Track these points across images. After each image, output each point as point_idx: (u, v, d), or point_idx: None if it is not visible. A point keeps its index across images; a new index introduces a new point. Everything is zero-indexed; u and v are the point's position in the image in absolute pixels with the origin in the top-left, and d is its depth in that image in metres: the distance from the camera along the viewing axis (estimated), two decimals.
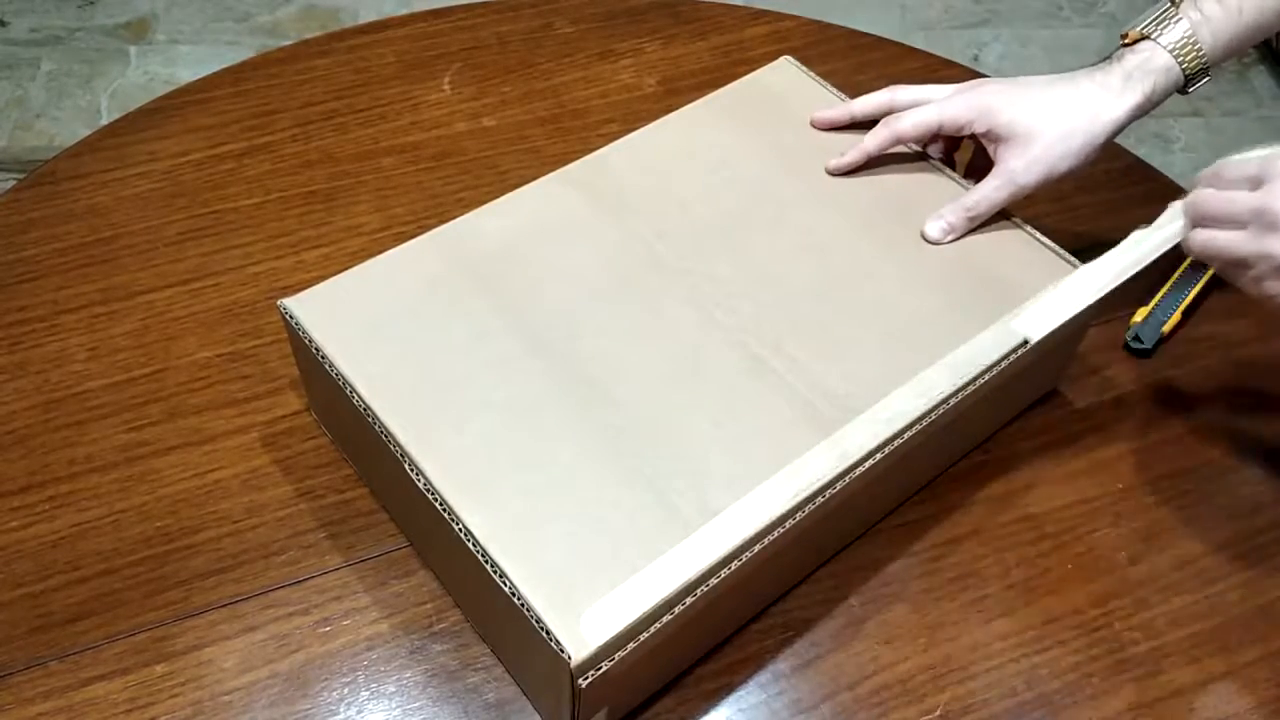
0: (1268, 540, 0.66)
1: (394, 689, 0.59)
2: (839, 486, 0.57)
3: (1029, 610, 0.63)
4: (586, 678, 0.50)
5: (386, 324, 0.61)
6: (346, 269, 0.64)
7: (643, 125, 0.74)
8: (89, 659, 0.60)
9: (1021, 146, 0.66)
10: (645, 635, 0.52)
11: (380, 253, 0.65)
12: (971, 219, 0.66)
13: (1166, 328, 0.76)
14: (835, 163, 0.70)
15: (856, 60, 0.95)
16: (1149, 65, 0.66)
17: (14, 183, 0.84)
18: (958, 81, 0.71)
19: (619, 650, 0.51)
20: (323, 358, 0.60)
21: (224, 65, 0.93)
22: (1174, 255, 0.80)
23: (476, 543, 0.53)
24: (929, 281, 0.65)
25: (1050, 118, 0.65)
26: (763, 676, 0.60)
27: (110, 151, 0.86)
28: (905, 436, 0.58)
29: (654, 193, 0.69)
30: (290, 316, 0.62)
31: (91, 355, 0.73)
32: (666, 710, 0.59)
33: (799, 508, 0.55)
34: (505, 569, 0.52)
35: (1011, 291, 0.64)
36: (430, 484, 0.55)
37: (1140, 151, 0.94)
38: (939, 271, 0.66)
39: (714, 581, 0.53)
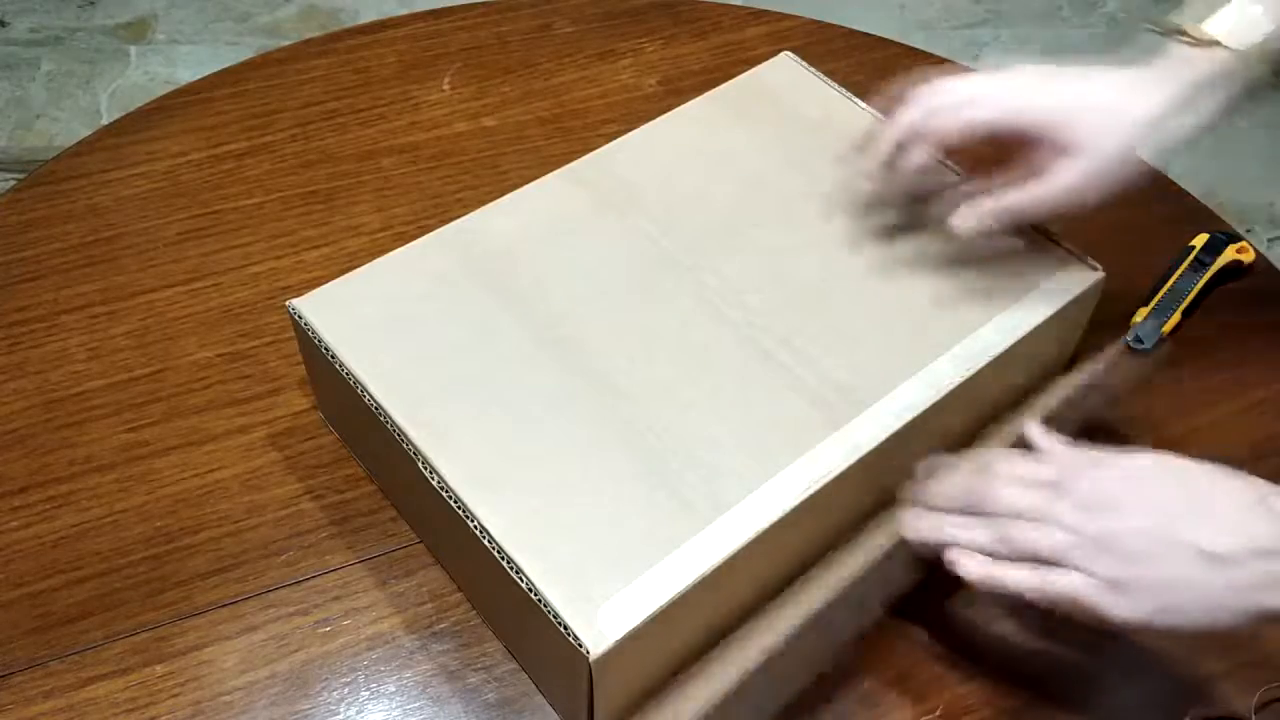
0: None
1: (394, 689, 0.59)
2: (851, 478, 0.57)
3: (1029, 610, 0.63)
4: (605, 672, 0.50)
5: (395, 323, 0.62)
6: (347, 269, 0.64)
7: (643, 125, 0.74)
8: (89, 659, 0.60)
9: (1071, 163, 0.58)
10: (662, 629, 0.52)
11: (381, 253, 0.65)
12: (998, 224, 0.61)
13: (1166, 328, 0.76)
14: (864, 163, 0.64)
15: (856, 60, 0.95)
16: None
17: (14, 183, 0.84)
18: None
19: (636, 644, 0.51)
20: (333, 358, 0.60)
21: (224, 65, 0.93)
22: (1172, 257, 0.80)
23: (492, 539, 0.53)
24: (934, 274, 0.65)
25: (1106, 139, 0.58)
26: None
27: (110, 151, 0.86)
28: (915, 428, 0.59)
29: (658, 190, 0.69)
30: (299, 317, 0.62)
31: (91, 355, 0.73)
32: None
33: (811, 500, 0.56)
34: (521, 565, 0.52)
35: (1015, 283, 0.65)
36: (444, 481, 0.55)
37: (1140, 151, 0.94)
38: (943, 264, 0.66)
39: (729, 575, 0.53)
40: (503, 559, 0.53)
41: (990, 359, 0.61)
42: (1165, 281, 0.78)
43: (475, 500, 0.54)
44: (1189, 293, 0.77)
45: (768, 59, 0.79)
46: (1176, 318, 0.76)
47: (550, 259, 0.65)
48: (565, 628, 0.50)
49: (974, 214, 0.61)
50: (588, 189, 0.69)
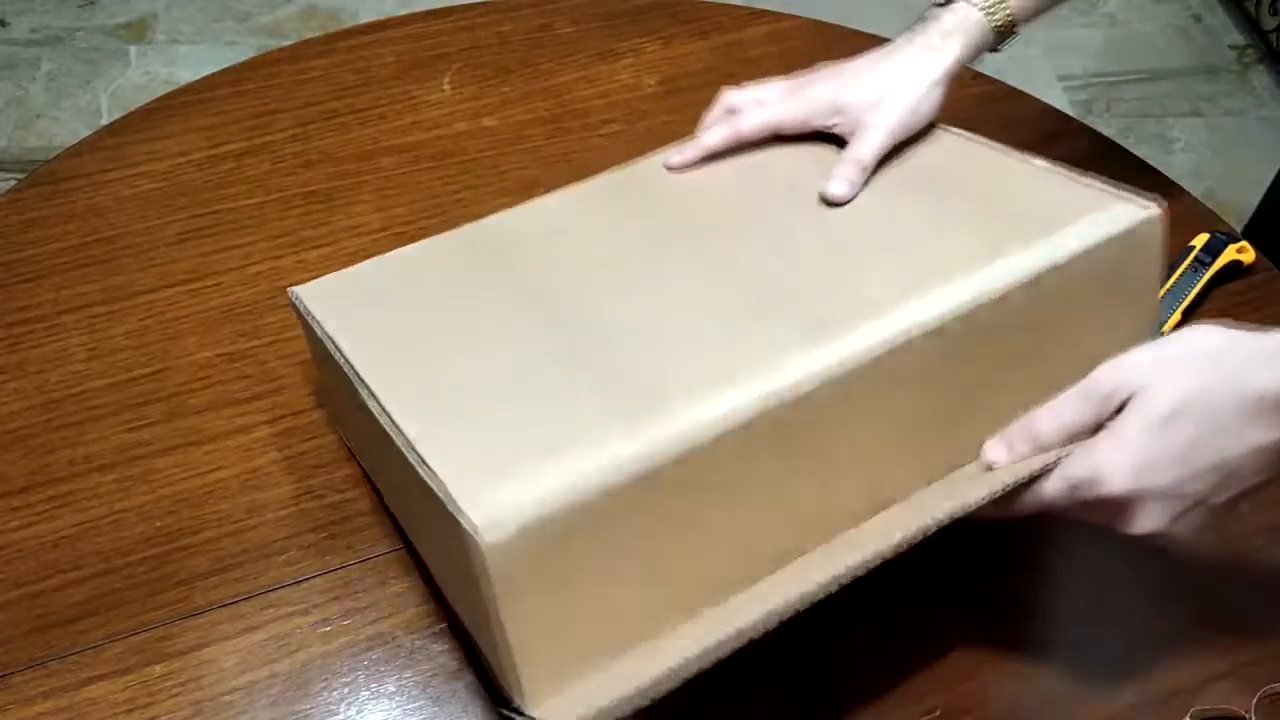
0: (1266, 541, 0.66)
1: (394, 689, 0.59)
2: (832, 403, 0.49)
3: (1030, 609, 0.63)
4: (506, 573, 0.43)
5: (391, 308, 0.61)
6: (346, 269, 0.65)
7: (643, 125, 0.74)
8: (89, 659, 0.60)
9: (873, 110, 0.67)
10: (583, 543, 0.45)
11: (381, 253, 0.65)
12: (865, 170, 0.65)
13: (1166, 328, 0.76)
14: (677, 159, 0.70)
15: None
16: (966, 24, 0.69)
17: (14, 183, 0.84)
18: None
19: (548, 549, 0.44)
20: (322, 330, 0.59)
21: (224, 65, 0.93)
22: (1172, 257, 0.80)
23: (414, 452, 0.48)
24: (956, 227, 0.59)
25: (887, 89, 0.67)
26: (762, 675, 0.60)
27: (110, 151, 0.86)
28: (915, 357, 0.51)
29: (676, 187, 0.68)
30: (299, 302, 0.61)
31: (91, 355, 0.73)
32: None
33: (779, 419, 0.48)
34: (427, 457, 0.47)
35: (1046, 225, 0.56)
36: (386, 412, 0.51)
37: (1140, 151, 0.94)
38: (966, 217, 0.59)
39: (674, 494, 0.46)
40: (419, 465, 0.47)
41: (1006, 286, 0.53)
42: (1165, 281, 0.78)
43: (400, 414, 0.50)
44: (1189, 293, 0.77)
45: (768, 59, 0.79)
46: (1177, 317, 0.76)
47: (557, 243, 0.64)
48: (458, 510, 0.44)
49: (839, 179, 0.64)
50: (605, 192, 0.68)
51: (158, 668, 0.60)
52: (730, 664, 0.61)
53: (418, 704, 0.59)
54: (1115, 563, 0.65)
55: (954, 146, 0.68)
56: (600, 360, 0.52)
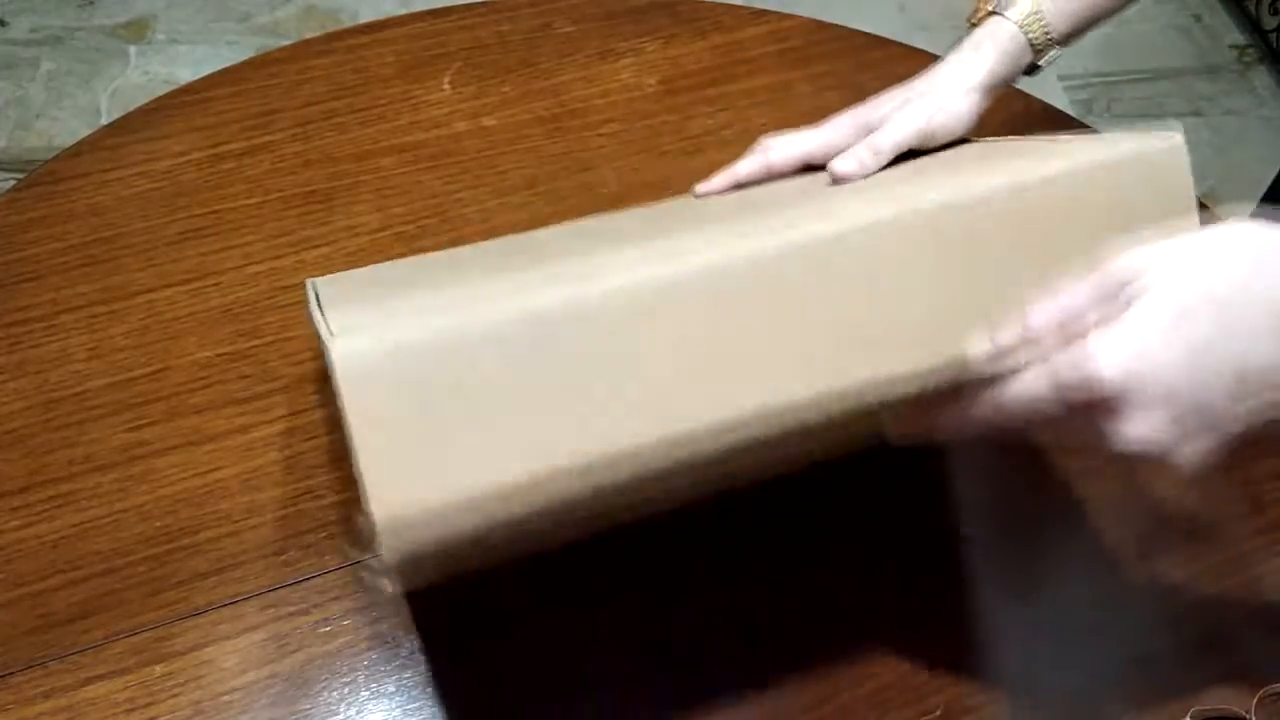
0: (1266, 541, 0.67)
1: (394, 689, 0.59)
2: (765, 283, 0.45)
3: (1030, 608, 0.63)
4: (365, 393, 0.40)
5: (379, 281, 0.61)
6: (346, 269, 0.65)
7: (643, 125, 0.74)
8: (89, 659, 0.60)
9: (899, 111, 0.66)
10: (453, 364, 0.41)
11: (381, 252, 0.66)
12: (878, 155, 0.65)
13: None
14: (703, 186, 0.70)
15: (856, 60, 0.95)
16: (997, 35, 0.68)
17: (14, 183, 0.84)
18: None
19: (412, 370, 0.41)
20: (316, 303, 0.56)
21: (224, 65, 0.93)
22: None
23: (320, 313, 0.47)
24: (960, 174, 0.56)
25: (916, 95, 0.67)
26: (762, 674, 0.60)
27: (110, 151, 0.86)
28: (870, 259, 0.46)
29: (697, 204, 0.69)
30: (310, 291, 0.61)
31: (91, 355, 0.73)
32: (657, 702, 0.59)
33: (700, 295, 0.44)
34: (324, 308, 0.47)
35: (1050, 156, 0.53)
36: (319, 306, 0.51)
37: None
38: (975, 167, 0.57)
39: (554, 326, 0.43)
40: (318, 320, 0.47)
41: (986, 191, 0.48)
42: None
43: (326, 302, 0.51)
44: None
45: (768, 59, 0.79)
46: None
47: (566, 240, 0.64)
48: (327, 330, 0.42)
49: (848, 158, 0.65)
50: (639, 210, 0.69)
51: (158, 668, 0.60)
52: (731, 663, 0.61)
53: (418, 704, 0.59)
54: (1116, 562, 0.65)
55: (987, 145, 0.67)
56: (534, 269, 0.52)
